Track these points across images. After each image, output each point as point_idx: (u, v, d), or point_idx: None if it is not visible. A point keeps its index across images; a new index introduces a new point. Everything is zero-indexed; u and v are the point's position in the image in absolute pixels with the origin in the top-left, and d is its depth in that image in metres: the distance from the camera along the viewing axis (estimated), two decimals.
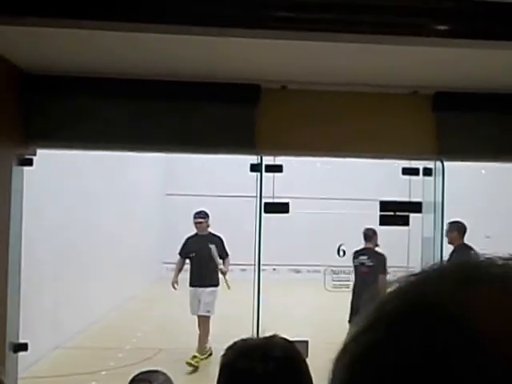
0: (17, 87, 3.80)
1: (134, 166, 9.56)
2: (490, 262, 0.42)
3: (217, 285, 6.51)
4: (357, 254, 6.23)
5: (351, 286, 6.16)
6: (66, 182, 6.73)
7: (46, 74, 3.83)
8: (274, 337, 1.34)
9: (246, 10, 2.63)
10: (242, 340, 1.34)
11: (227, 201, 11.90)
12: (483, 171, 9.39)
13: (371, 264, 6.01)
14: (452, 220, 5.66)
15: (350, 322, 5.85)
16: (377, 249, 6.25)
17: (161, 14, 2.61)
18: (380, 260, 6.06)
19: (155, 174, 11.93)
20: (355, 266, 6.17)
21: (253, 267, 4.49)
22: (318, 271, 10.68)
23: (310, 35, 2.82)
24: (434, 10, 2.77)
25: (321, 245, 11.42)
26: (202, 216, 6.60)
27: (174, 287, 6.63)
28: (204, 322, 6.37)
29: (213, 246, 6.42)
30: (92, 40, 3.21)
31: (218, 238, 6.63)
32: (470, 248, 5.61)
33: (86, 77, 3.83)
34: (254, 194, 4.28)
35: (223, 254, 6.57)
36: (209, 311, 6.39)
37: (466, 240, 5.77)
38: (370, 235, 6.15)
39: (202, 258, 6.44)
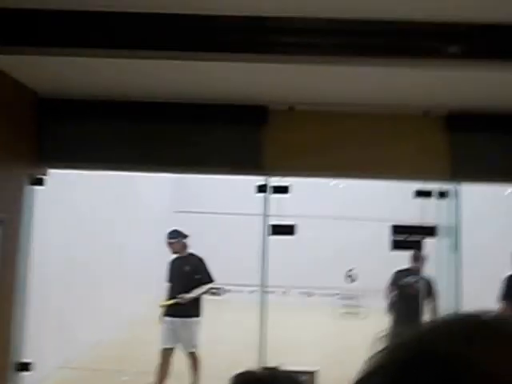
0: (32, 110, 3.91)
1: (143, 183, 9.60)
2: (493, 314, 0.44)
3: (196, 315, 5.54)
4: (402, 274, 5.84)
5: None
6: (74, 198, 6.73)
7: (59, 98, 3.94)
8: (277, 369, 1.29)
9: (253, 36, 2.64)
10: (245, 372, 1.29)
11: (236, 218, 11.80)
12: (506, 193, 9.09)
13: (421, 286, 5.66)
14: None
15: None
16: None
17: (169, 40, 2.64)
18: (425, 282, 5.70)
19: (164, 192, 11.98)
20: (400, 287, 5.77)
21: (260, 289, 4.32)
22: (331, 295, 10.50)
23: (320, 59, 2.82)
24: (446, 33, 2.75)
25: (332, 268, 11.27)
26: (173, 236, 5.63)
27: (160, 320, 5.60)
28: (191, 357, 5.60)
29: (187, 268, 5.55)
30: (102, 66, 3.30)
31: (198, 259, 5.64)
32: None
33: (97, 100, 3.91)
34: (262, 213, 4.19)
35: (204, 278, 5.57)
36: (193, 346, 5.55)
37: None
38: (419, 255, 5.68)
39: (178, 284, 5.52)
